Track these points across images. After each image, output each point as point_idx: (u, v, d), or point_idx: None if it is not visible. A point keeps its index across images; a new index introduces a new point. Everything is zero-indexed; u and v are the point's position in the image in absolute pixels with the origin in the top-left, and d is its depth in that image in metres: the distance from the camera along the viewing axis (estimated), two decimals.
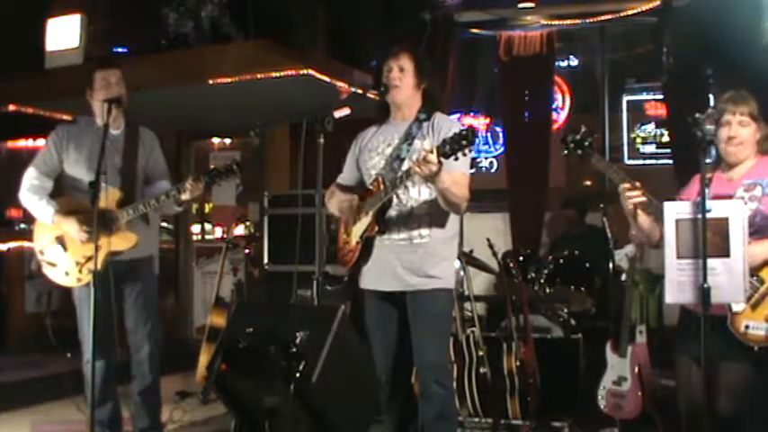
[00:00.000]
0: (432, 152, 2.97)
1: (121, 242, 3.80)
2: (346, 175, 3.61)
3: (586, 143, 3.27)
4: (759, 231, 3.01)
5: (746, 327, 2.96)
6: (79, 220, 3.77)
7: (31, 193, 3.90)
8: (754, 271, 2.97)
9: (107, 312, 3.64)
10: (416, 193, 3.33)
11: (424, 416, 3.34)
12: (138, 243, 3.84)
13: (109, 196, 3.77)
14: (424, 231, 3.31)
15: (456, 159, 2.96)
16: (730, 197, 3.08)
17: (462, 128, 2.99)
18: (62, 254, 3.87)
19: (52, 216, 3.84)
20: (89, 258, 3.72)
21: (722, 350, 3.00)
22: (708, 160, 2.94)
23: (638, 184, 3.15)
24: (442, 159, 2.97)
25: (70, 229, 3.81)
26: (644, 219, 3.19)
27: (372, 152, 3.47)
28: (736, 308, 2.96)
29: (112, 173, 3.82)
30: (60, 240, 3.87)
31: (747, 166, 3.16)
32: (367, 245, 3.37)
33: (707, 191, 2.88)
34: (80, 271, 3.82)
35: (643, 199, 3.13)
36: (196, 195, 3.80)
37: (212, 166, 3.82)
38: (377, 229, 3.31)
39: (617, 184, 3.18)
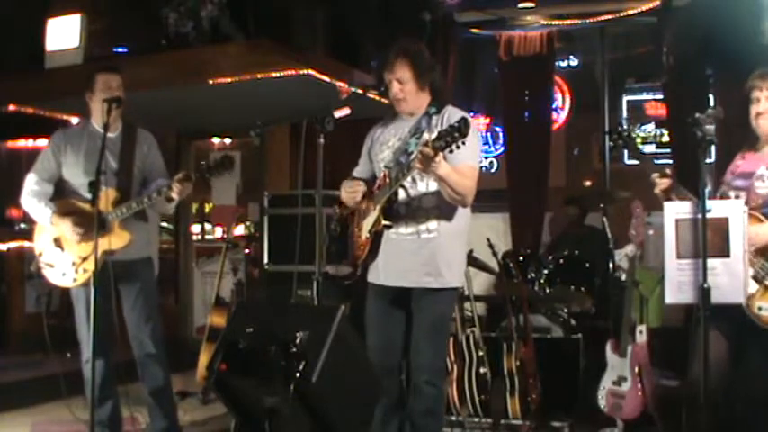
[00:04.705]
0: (427, 145, 2.97)
1: (115, 241, 3.80)
2: (360, 168, 3.63)
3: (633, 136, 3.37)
4: None
5: (759, 308, 2.98)
6: (74, 221, 3.80)
7: (31, 197, 3.93)
8: (767, 251, 2.99)
9: (105, 311, 3.64)
10: (424, 187, 3.31)
11: (411, 409, 3.37)
12: (132, 242, 3.85)
13: (106, 197, 3.80)
14: (432, 225, 3.29)
15: (451, 152, 2.94)
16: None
17: (457, 120, 2.95)
18: (59, 255, 3.89)
19: (50, 217, 3.87)
20: (85, 258, 3.78)
21: (743, 328, 3.03)
22: (708, 160, 2.94)
23: (667, 171, 3.25)
24: (445, 152, 2.95)
25: (65, 229, 3.83)
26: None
27: (383, 145, 3.48)
28: (749, 289, 2.98)
29: (109, 175, 3.84)
30: (57, 242, 3.90)
31: None
32: (376, 239, 3.37)
33: (708, 189, 2.89)
34: (76, 271, 3.84)
35: (669, 181, 3.22)
36: (186, 193, 3.79)
37: (202, 162, 3.83)
38: (383, 223, 3.30)
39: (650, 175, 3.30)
